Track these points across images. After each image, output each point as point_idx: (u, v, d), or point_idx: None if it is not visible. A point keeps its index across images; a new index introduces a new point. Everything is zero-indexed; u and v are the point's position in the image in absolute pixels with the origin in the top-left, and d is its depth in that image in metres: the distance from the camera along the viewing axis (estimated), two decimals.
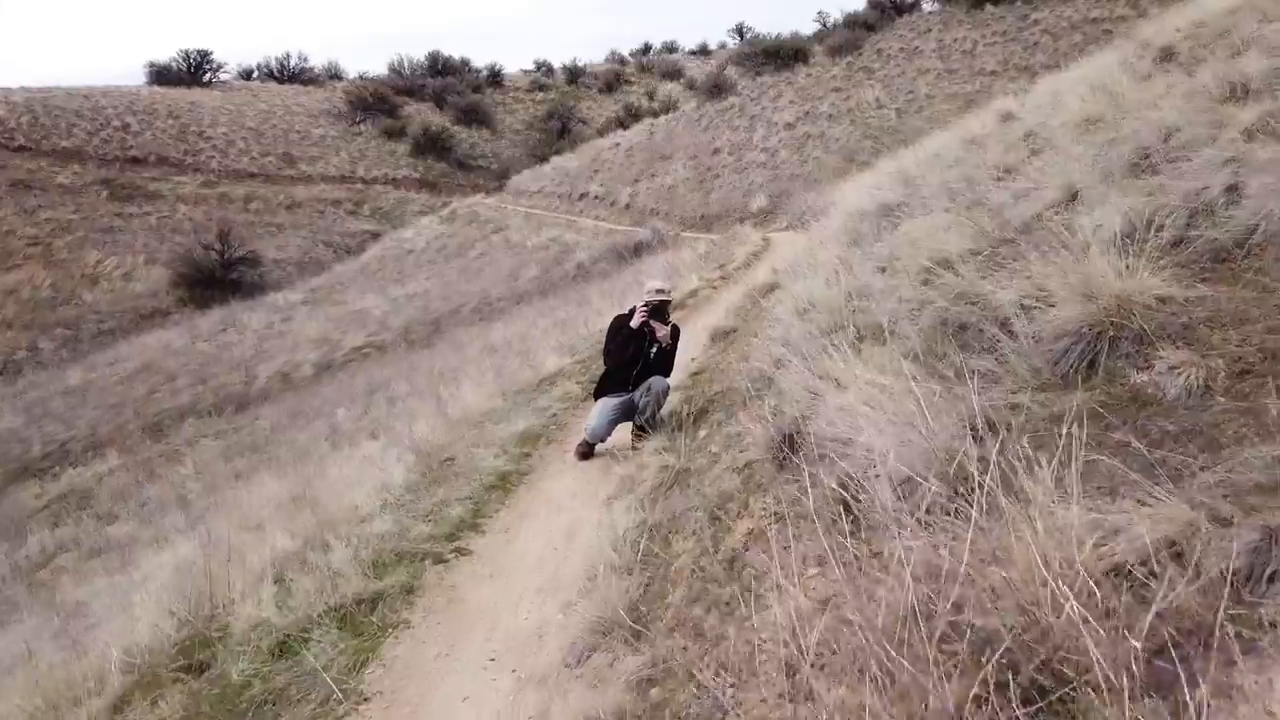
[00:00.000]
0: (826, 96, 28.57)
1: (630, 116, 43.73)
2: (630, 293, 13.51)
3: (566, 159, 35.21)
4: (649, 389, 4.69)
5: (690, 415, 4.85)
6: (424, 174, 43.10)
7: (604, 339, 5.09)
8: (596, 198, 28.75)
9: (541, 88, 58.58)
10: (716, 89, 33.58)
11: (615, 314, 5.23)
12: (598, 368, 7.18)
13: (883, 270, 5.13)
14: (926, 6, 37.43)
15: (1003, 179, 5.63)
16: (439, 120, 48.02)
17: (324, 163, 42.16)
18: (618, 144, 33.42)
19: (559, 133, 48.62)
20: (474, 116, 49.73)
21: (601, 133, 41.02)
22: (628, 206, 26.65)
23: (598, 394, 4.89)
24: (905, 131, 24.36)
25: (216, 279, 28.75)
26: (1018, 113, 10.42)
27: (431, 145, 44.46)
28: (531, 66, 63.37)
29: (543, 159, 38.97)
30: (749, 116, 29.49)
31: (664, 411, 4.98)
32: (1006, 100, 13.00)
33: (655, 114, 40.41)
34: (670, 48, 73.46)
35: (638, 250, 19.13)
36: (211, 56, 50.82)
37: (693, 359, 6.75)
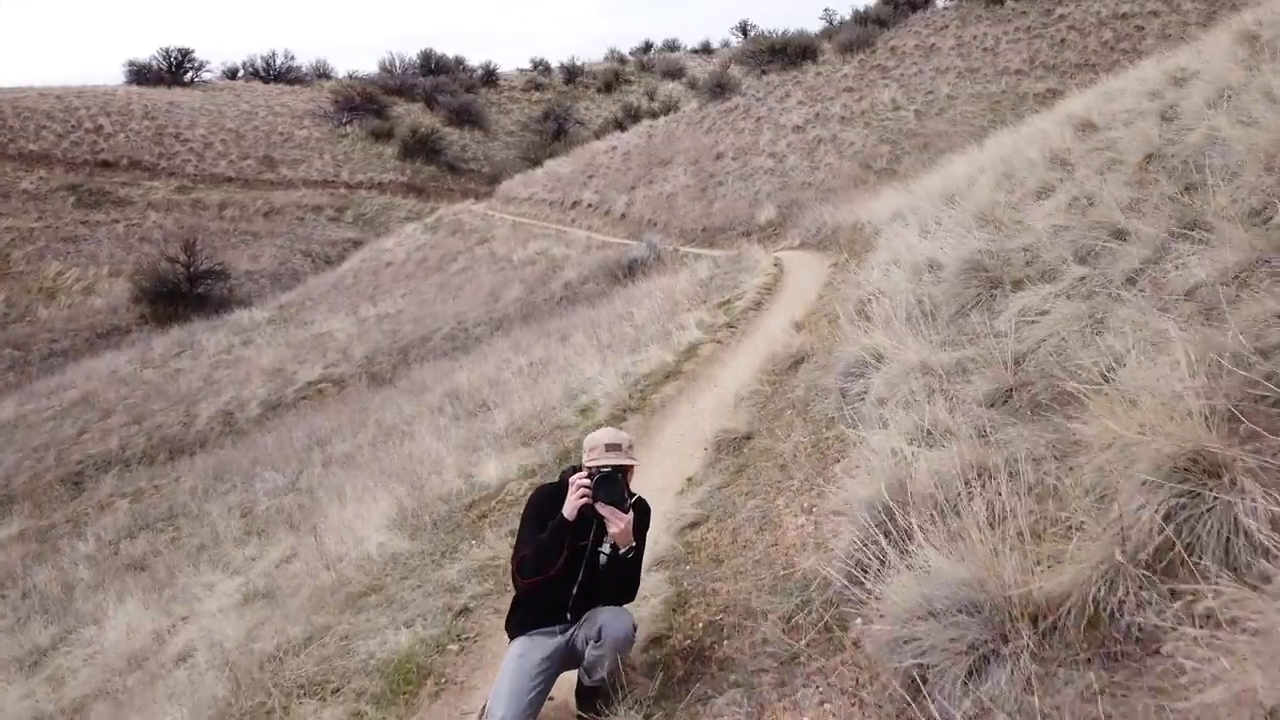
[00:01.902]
0: (838, 97, 26.50)
1: (629, 117, 41.63)
2: (619, 327, 11.46)
3: (560, 163, 33.14)
4: (599, 634, 2.56)
5: (680, 657, 2.78)
6: (411, 178, 41.02)
7: (524, 510, 2.88)
8: (590, 206, 26.67)
9: (538, 87, 56.47)
10: (720, 88, 31.52)
11: (541, 484, 3.08)
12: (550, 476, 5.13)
13: (1007, 400, 3.05)
14: (941, 2, 35.34)
15: (1180, 237, 3.54)
16: (429, 121, 45.92)
17: (306, 166, 40.09)
18: (614, 147, 31.35)
19: (555, 134, 46.52)
20: (466, 117, 47.63)
21: (598, 134, 38.91)
22: (623, 216, 24.57)
23: (512, 626, 2.78)
24: (926, 134, 22.29)
25: (181, 294, 26.71)
26: (1097, 120, 8.34)
27: (420, 147, 42.37)
28: (528, 65, 61.30)
29: (536, 162, 36.88)
30: (754, 118, 27.42)
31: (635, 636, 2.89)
32: (1070, 103, 10.90)
33: (655, 115, 38.32)
34: (672, 46, 71.31)
35: (631, 270, 17.08)
36: (193, 55, 48.82)
37: (688, 480, 4.68)
